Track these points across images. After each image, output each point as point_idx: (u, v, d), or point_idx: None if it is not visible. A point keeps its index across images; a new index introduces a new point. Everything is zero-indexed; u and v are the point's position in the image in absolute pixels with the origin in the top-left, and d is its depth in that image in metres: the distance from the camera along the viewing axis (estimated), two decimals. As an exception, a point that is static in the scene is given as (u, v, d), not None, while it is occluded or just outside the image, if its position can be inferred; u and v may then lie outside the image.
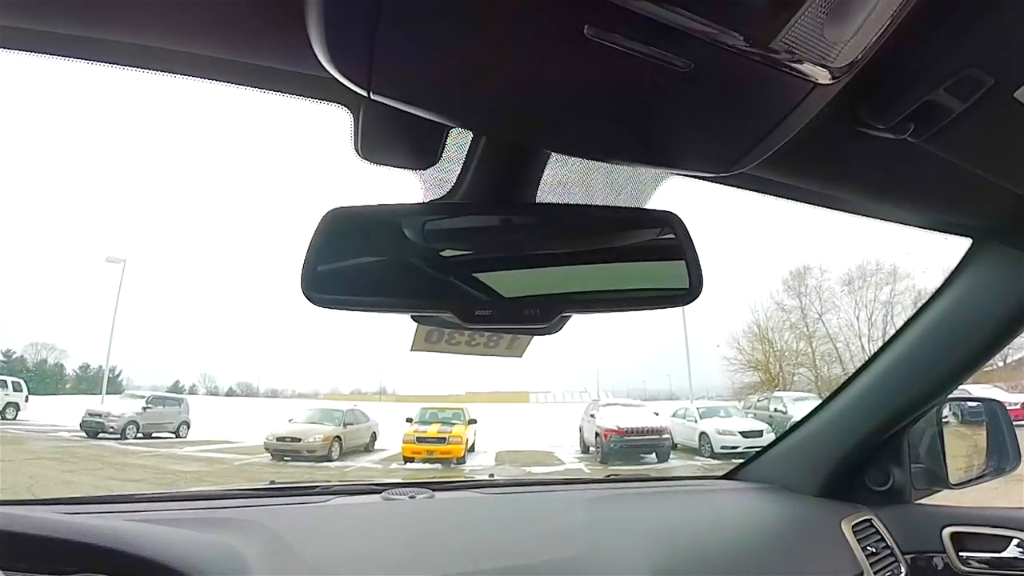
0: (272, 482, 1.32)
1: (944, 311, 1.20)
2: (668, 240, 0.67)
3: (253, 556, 0.84)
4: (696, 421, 12.32)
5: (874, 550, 1.22)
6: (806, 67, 0.45)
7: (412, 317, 0.74)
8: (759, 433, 11.11)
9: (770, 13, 0.40)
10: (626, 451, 10.66)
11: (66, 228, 27.59)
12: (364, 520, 1.09)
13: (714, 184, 0.78)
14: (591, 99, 0.51)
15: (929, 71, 0.59)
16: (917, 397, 1.27)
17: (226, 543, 0.85)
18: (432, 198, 0.76)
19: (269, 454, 10.27)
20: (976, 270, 1.15)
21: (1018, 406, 8.19)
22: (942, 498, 1.40)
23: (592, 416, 11.89)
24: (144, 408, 11.95)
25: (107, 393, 15.60)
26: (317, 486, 1.22)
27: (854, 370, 1.38)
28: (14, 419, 12.82)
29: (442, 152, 0.70)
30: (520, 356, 0.94)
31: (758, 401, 14.92)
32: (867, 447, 1.35)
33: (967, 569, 1.25)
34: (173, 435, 12.31)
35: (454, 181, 0.74)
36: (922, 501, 1.38)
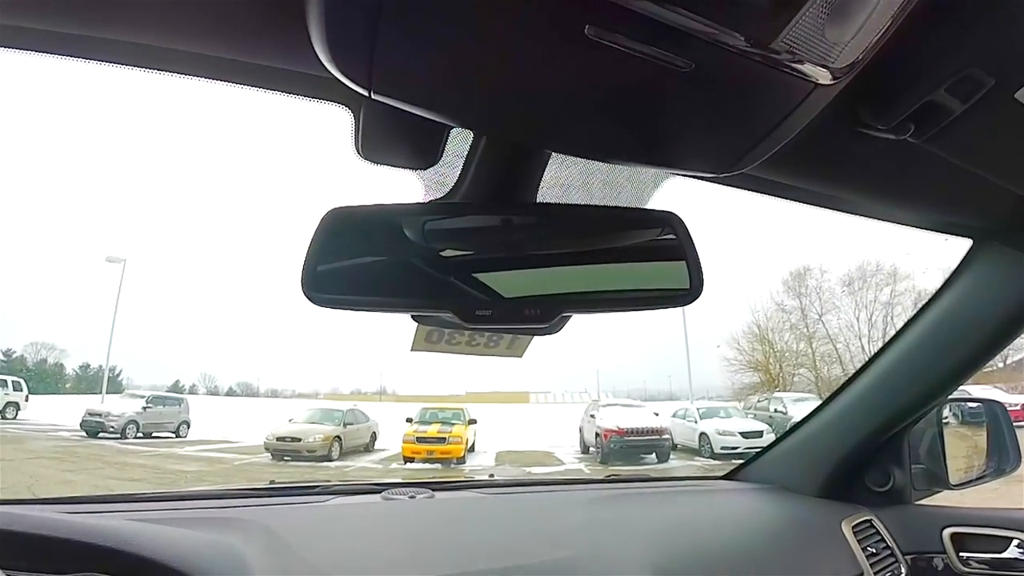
0: (272, 482, 1.32)
1: (944, 312, 1.20)
2: (669, 240, 0.67)
3: (253, 556, 0.84)
4: (696, 421, 12.31)
5: (874, 551, 1.22)
6: (807, 67, 0.45)
7: (412, 317, 0.74)
8: (759, 434, 11.10)
9: (771, 13, 0.40)
10: (626, 451, 10.65)
11: (66, 228, 27.64)
12: (364, 520, 1.09)
13: (715, 184, 0.78)
14: (592, 99, 0.51)
15: (930, 71, 0.59)
16: (917, 398, 1.27)
17: (226, 543, 0.85)
18: (432, 198, 0.76)
19: (269, 454, 10.26)
20: (976, 271, 1.15)
21: (1018, 407, 8.16)
22: (942, 499, 1.39)
23: (592, 416, 11.88)
24: (144, 408, 11.95)
25: (107, 393, 15.61)
26: (317, 486, 1.22)
27: (854, 371, 1.38)
28: (14, 418, 12.81)
29: (442, 152, 0.70)
30: (520, 356, 0.94)
31: (758, 402, 14.91)
32: (867, 448, 1.35)
33: (967, 570, 1.25)
34: (173, 435, 12.30)
35: (454, 181, 0.74)
36: (922, 502, 1.38)
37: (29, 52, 0.57)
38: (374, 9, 0.41)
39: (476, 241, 0.69)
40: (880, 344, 1.37)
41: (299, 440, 10.29)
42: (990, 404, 1.45)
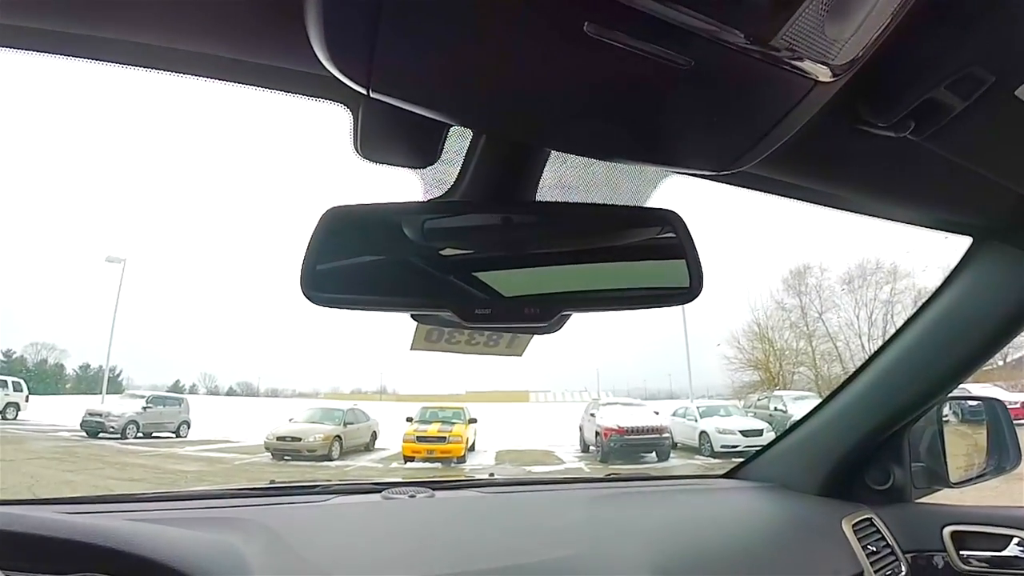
0: (272, 481, 1.32)
1: (944, 310, 1.20)
2: (668, 239, 0.67)
3: (253, 555, 0.84)
4: (696, 420, 12.31)
5: (874, 549, 1.22)
6: (807, 65, 0.44)
7: (412, 316, 0.74)
8: (759, 432, 11.11)
9: (771, 10, 0.40)
10: (626, 450, 10.67)
11: (66, 227, 27.62)
12: (364, 519, 1.09)
13: (715, 182, 0.78)
14: (591, 97, 0.51)
15: (930, 69, 0.59)
16: (917, 396, 1.27)
17: (226, 542, 0.85)
18: (432, 197, 0.76)
19: (269, 453, 10.28)
20: (976, 269, 1.15)
21: (1018, 405, 8.17)
22: (942, 497, 1.40)
23: (592, 415, 11.89)
24: (144, 408, 11.95)
25: (107, 393, 15.59)
26: (317, 485, 1.22)
27: (854, 369, 1.39)
28: (14, 419, 12.81)
29: (442, 150, 0.70)
30: (520, 355, 0.94)
31: (758, 400, 14.93)
32: (867, 446, 1.35)
33: (967, 568, 1.25)
34: (173, 435, 12.31)
35: (454, 180, 0.74)
36: (922, 500, 1.38)
37: (29, 52, 0.57)
38: (373, 8, 0.41)
39: (475, 240, 0.69)
40: (880, 342, 1.37)
41: (299, 440, 10.31)
42: (990, 402, 1.45)
